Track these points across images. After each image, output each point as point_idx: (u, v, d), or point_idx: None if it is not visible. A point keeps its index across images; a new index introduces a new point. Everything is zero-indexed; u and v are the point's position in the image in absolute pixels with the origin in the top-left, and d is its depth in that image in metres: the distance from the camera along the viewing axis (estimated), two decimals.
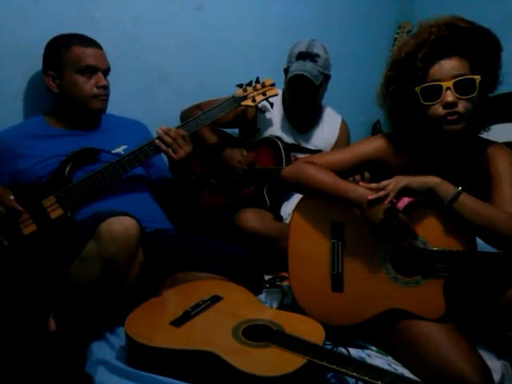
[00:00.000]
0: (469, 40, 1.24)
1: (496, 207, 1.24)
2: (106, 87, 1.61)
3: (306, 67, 1.93)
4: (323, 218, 1.37)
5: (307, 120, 2.17)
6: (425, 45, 1.24)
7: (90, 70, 1.58)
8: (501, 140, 1.41)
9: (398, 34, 2.91)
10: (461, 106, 1.23)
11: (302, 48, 1.98)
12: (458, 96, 1.22)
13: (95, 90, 1.59)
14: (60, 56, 1.57)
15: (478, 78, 1.23)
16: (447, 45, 1.24)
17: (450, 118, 1.23)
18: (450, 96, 1.22)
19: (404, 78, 1.29)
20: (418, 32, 1.28)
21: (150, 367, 1.13)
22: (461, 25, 1.24)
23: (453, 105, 1.22)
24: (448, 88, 1.22)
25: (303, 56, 1.97)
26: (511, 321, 1.21)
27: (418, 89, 1.26)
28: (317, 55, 1.96)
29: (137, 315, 1.26)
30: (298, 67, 1.93)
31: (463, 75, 1.23)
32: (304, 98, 2.01)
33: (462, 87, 1.23)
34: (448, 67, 1.24)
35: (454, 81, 1.22)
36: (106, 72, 1.63)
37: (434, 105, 1.25)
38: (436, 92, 1.24)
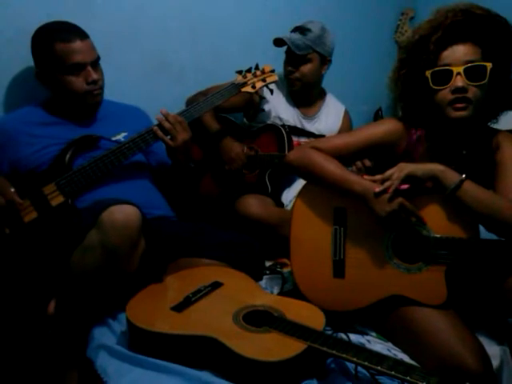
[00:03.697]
0: (483, 27, 1.22)
1: (500, 194, 1.24)
2: (96, 81, 1.54)
3: (291, 36, 1.99)
4: (326, 204, 1.36)
5: (311, 103, 2.18)
6: (439, 28, 1.23)
7: (77, 67, 1.50)
8: (508, 127, 1.40)
9: (400, 20, 2.89)
10: (470, 93, 1.22)
11: (298, 23, 2.03)
12: (468, 82, 1.21)
13: (86, 87, 1.52)
14: (44, 57, 1.51)
15: (489, 65, 1.22)
16: (461, 30, 1.23)
17: (457, 105, 1.22)
18: (459, 81, 1.21)
19: (416, 61, 1.28)
20: (434, 17, 1.27)
21: (150, 352, 1.14)
22: (477, 12, 1.23)
23: (462, 90, 1.21)
24: (458, 73, 1.21)
25: (295, 29, 2.03)
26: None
27: (428, 72, 1.25)
28: (308, 30, 2.00)
29: (138, 301, 1.26)
30: (284, 36, 1.98)
31: (475, 61, 1.22)
32: (289, 68, 2.03)
33: (472, 73, 1.21)
34: (460, 52, 1.23)
35: (465, 66, 1.21)
36: (95, 63, 1.54)
37: (443, 89, 1.24)
38: (446, 76, 1.23)
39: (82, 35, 1.53)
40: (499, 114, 1.33)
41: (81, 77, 1.52)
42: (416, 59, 1.28)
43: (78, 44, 1.50)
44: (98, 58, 1.57)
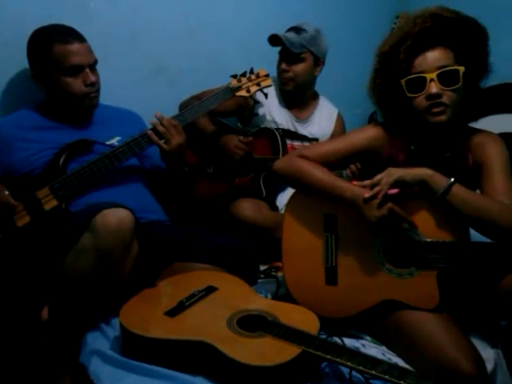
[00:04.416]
0: (453, 30, 1.24)
1: (488, 196, 1.25)
2: (94, 84, 1.55)
3: (286, 35, 2.01)
4: (316, 211, 1.36)
5: (304, 106, 2.19)
6: (408, 37, 1.25)
7: (75, 69, 1.51)
8: (494, 131, 1.41)
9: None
10: (445, 97, 1.23)
11: (294, 25, 2.06)
12: (442, 87, 1.23)
13: (84, 89, 1.53)
14: (42, 58, 1.51)
15: (462, 68, 1.23)
16: (431, 36, 1.24)
17: (434, 110, 1.23)
18: (434, 87, 1.22)
19: (389, 71, 1.29)
20: (404, 23, 1.28)
21: (144, 357, 1.13)
22: (445, 15, 1.24)
23: (437, 96, 1.22)
24: (432, 80, 1.23)
25: (290, 29, 2.06)
26: (505, 309, 1.22)
27: (402, 81, 1.27)
28: (303, 30, 2.02)
29: (131, 306, 1.26)
30: (279, 33, 2.00)
31: (447, 66, 1.23)
32: (283, 67, 2.04)
33: (446, 78, 1.23)
34: (432, 59, 1.24)
35: (437, 72, 1.23)
36: (92, 65, 1.56)
37: (418, 97, 1.25)
38: (420, 84, 1.24)
39: (80, 38, 1.54)
40: (479, 115, 1.34)
41: (79, 79, 1.53)
42: (389, 69, 1.29)
43: (76, 46, 1.51)
44: (96, 62, 1.58)
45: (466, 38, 1.24)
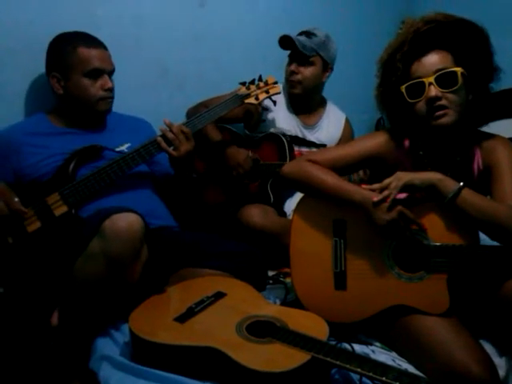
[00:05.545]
0: (449, 33, 1.25)
1: (498, 200, 1.24)
2: (111, 89, 1.60)
3: (297, 37, 2.02)
4: (325, 216, 1.36)
5: (312, 112, 2.19)
6: (404, 44, 1.26)
7: (96, 73, 1.57)
8: (505, 135, 1.40)
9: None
10: (445, 100, 1.23)
11: (303, 29, 2.07)
12: (442, 90, 1.23)
13: (101, 93, 1.58)
14: (66, 57, 1.56)
15: (459, 69, 1.24)
16: (426, 40, 1.25)
17: (436, 113, 1.24)
18: (432, 91, 1.23)
19: (389, 79, 1.30)
20: (402, 30, 1.30)
21: (154, 363, 1.13)
22: (440, 19, 1.25)
23: (436, 99, 1.22)
24: (430, 83, 1.23)
25: (301, 33, 2.06)
26: (507, 315, 1.20)
27: (402, 88, 1.27)
28: (313, 34, 2.03)
29: (141, 311, 1.26)
30: (291, 35, 2.00)
31: (444, 69, 1.23)
32: (291, 69, 2.04)
33: (444, 81, 1.23)
34: (428, 63, 1.25)
35: (435, 75, 1.23)
36: (111, 73, 1.62)
37: (419, 101, 1.25)
38: (419, 89, 1.25)
39: (103, 46, 1.62)
40: (488, 119, 1.33)
41: (97, 83, 1.57)
42: (389, 77, 1.30)
43: (100, 52, 1.58)
44: (114, 70, 1.63)
45: (464, 40, 1.25)
